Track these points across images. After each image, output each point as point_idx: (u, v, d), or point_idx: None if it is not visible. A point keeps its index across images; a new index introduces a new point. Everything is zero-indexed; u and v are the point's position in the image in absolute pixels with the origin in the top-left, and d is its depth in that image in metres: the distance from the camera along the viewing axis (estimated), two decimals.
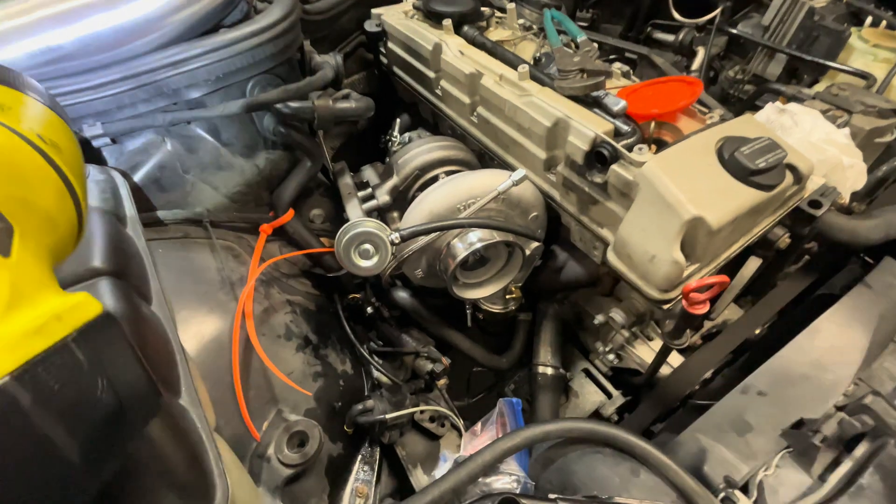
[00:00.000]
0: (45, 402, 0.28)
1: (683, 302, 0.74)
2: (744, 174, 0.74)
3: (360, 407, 0.94)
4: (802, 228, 0.88)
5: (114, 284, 0.57)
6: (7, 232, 0.31)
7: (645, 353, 1.09)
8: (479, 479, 0.57)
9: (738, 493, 0.56)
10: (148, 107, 0.78)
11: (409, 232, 0.78)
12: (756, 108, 1.26)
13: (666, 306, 0.80)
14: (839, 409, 0.63)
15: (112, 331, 0.36)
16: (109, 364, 0.35)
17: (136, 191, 0.82)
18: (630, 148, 0.80)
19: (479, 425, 0.68)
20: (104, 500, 0.49)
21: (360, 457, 1.00)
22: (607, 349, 1.13)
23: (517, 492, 0.56)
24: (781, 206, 0.85)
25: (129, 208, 0.74)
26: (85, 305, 0.34)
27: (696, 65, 1.54)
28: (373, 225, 0.76)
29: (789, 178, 0.80)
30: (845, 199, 0.91)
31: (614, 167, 0.79)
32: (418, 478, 0.99)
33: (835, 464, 0.58)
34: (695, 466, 0.63)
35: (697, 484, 0.56)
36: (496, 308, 1.15)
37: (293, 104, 0.85)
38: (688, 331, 0.82)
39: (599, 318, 1.08)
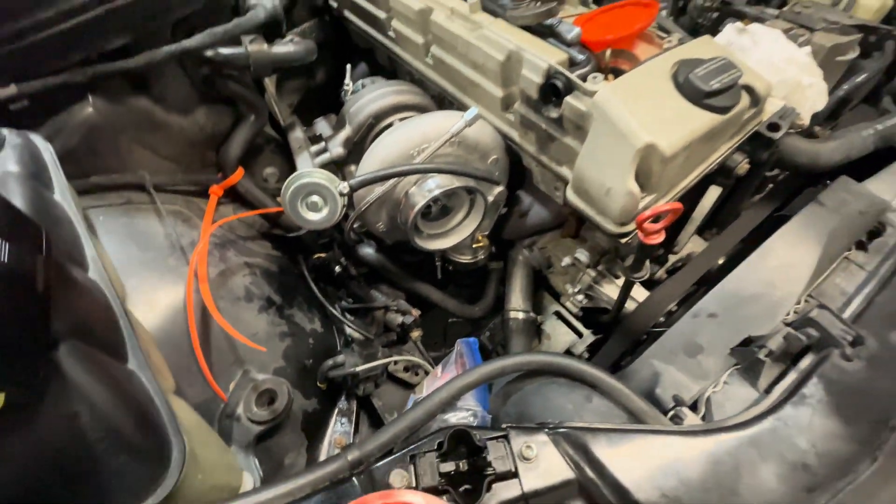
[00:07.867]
0: None
1: (639, 233, 0.73)
2: (698, 97, 0.72)
3: (330, 362, 0.95)
4: (762, 153, 0.86)
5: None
6: None
7: (613, 291, 1.10)
8: (438, 416, 0.58)
9: (685, 409, 0.58)
10: (63, 62, 0.71)
11: (358, 181, 0.75)
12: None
13: (624, 240, 0.79)
14: (787, 325, 0.64)
15: None
16: None
17: (68, 158, 0.77)
18: (584, 78, 0.76)
19: (439, 368, 0.69)
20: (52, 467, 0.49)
21: (337, 410, 1.02)
22: (576, 290, 1.13)
23: (473, 425, 0.57)
24: (740, 131, 0.83)
25: (56, 173, 0.69)
26: None
27: None
28: (319, 175, 0.73)
29: (745, 99, 0.78)
30: (805, 120, 0.89)
31: (568, 99, 0.76)
32: None
33: (781, 377, 0.60)
34: (648, 390, 0.65)
35: (647, 405, 0.57)
36: (466, 259, 1.14)
37: (224, 50, 0.79)
38: (647, 262, 0.82)
39: (566, 261, 1.08)
